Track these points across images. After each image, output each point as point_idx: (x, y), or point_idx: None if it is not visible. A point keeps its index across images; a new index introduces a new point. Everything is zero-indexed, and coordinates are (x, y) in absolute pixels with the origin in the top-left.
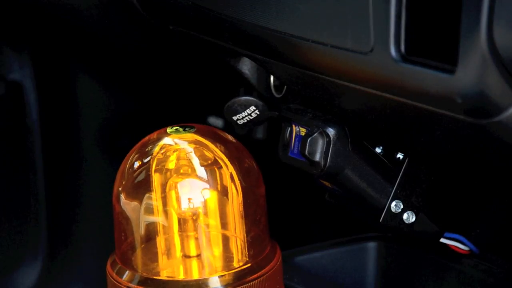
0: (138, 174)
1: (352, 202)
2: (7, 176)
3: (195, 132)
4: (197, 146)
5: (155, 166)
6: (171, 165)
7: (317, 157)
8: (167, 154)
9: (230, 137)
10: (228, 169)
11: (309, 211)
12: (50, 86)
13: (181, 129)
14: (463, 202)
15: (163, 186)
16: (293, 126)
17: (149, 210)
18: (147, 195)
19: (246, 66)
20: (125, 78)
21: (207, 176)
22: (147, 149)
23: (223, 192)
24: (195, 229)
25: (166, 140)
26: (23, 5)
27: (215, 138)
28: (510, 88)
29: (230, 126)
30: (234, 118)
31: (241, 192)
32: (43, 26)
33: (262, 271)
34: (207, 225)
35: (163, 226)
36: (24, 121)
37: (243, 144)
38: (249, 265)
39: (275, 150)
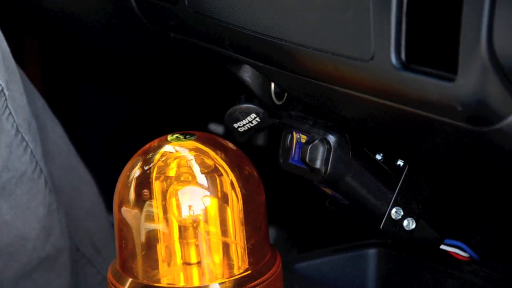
0: (139, 182)
1: (353, 209)
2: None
3: (196, 140)
4: (198, 153)
5: (156, 174)
6: (171, 172)
7: (318, 164)
8: (168, 161)
9: (230, 145)
10: (229, 177)
11: (309, 218)
12: (55, 92)
13: (181, 137)
14: (463, 209)
15: (164, 194)
16: (294, 133)
17: (150, 218)
18: (147, 202)
19: (247, 74)
20: (128, 85)
21: (208, 184)
22: (147, 157)
23: (224, 199)
24: (196, 236)
25: (167, 148)
26: (28, 15)
27: (216, 146)
28: (510, 96)
29: (231, 133)
30: (235, 125)
31: (241, 199)
32: (48, 36)
33: (263, 278)
34: (208, 232)
35: (164, 234)
36: None
37: (244, 151)
38: (249, 272)
39: (276, 157)
